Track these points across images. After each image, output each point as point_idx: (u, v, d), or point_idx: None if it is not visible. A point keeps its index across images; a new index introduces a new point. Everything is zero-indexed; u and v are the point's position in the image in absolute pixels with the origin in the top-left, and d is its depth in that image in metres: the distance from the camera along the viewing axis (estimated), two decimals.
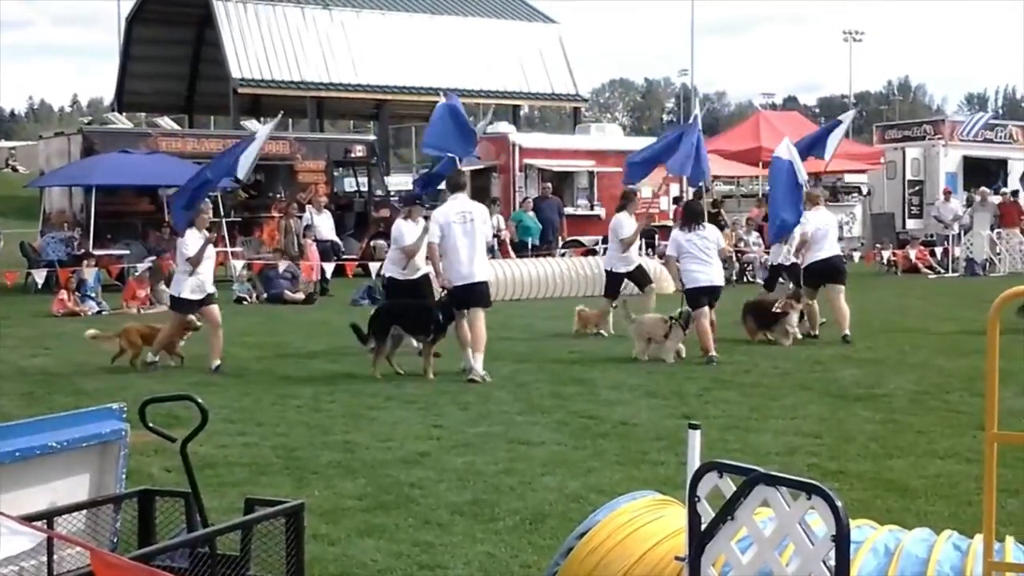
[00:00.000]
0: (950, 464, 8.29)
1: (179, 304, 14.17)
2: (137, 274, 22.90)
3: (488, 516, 7.03)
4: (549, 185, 30.27)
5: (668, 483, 7.21)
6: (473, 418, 10.43)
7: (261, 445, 9.30)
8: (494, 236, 28.58)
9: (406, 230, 14.38)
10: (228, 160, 15.19)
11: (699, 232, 14.63)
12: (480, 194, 31.45)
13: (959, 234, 31.11)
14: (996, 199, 32.35)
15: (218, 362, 13.77)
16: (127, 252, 26.04)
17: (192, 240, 13.89)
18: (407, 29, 46.75)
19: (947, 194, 33.13)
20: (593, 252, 28.49)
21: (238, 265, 24.89)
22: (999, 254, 31.31)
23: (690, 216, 15.08)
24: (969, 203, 32.28)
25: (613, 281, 17.05)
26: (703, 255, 14.55)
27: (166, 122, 36.47)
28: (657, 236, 29.53)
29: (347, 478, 8.09)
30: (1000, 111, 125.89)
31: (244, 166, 14.82)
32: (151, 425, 5.14)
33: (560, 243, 29.32)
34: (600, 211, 31.43)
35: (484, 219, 13.67)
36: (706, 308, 14.45)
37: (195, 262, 13.76)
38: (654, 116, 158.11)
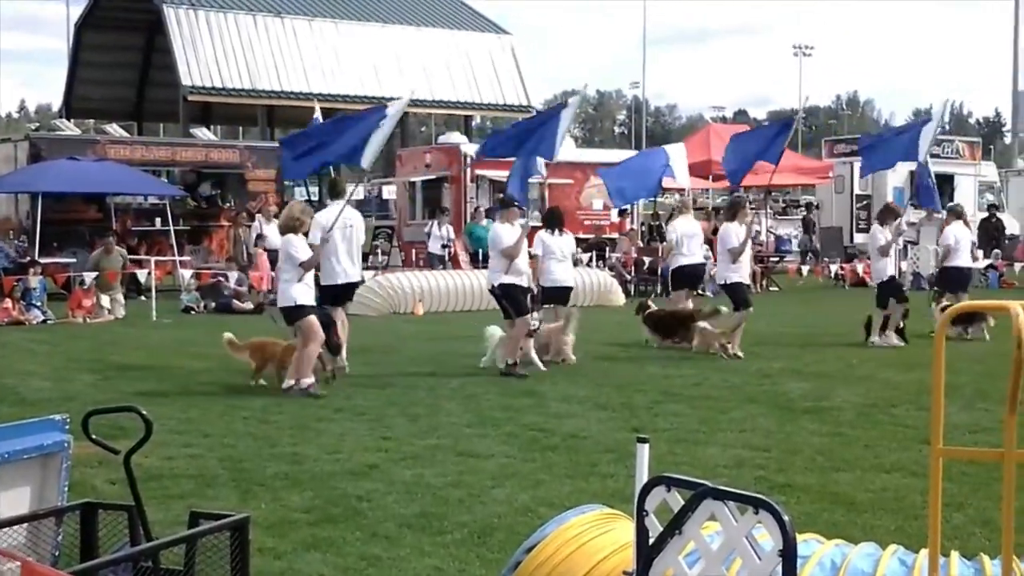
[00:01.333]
0: (896, 478, 8.34)
1: (297, 312, 12.90)
2: (85, 286, 22.63)
3: (436, 529, 7.00)
4: (501, 196, 30.24)
5: (617, 496, 7.21)
6: (422, 430, 10.39)
7: (207, 457, 9.21)
8: (443, 247, 28.56)
9: (504, 233, 14.49)
10: (354, 141, 14.32)
11: (560, 236, 15.66)
12: (431, 204, 31.49)
13: (905, 248, 31.40)
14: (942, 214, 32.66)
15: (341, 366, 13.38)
16: (73, 260, 25.78)
17: (302, 245, 13.01)
18: (359, 38, 46.67)
19: None
20: None
21: (186, 274, 24.71)
22: None
23: (554, 220, 15.98)
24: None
25: (732, 292, 16.44)
26: (562, 256, 15.62)
27: (115, 129, 36.21)
28: (608, 248, 29.65)
29: (294, 490, 8.03)
30: (946, 126, 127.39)
31: (369, 155, 14.27)
32: (94, 437, 5.07)
33: None
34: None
35: (362, 227, 14.66)
36: (562, 308, 15.60)
37: (309, 267, 13.00)
38: (606, 128, 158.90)
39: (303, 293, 12.92)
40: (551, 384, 13.26)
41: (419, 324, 21.00)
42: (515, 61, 49.80)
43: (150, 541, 4.88)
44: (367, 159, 14.06)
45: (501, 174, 31.09)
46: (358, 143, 14.04)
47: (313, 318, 12.86)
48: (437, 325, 20.41)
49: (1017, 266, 31.87)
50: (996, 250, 33.01)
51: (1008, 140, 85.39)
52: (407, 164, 33.85)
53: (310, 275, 13.16)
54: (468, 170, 31.06)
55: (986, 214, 34.95)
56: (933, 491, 3.72)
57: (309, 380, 12.57)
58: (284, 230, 13.26)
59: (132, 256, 27.13)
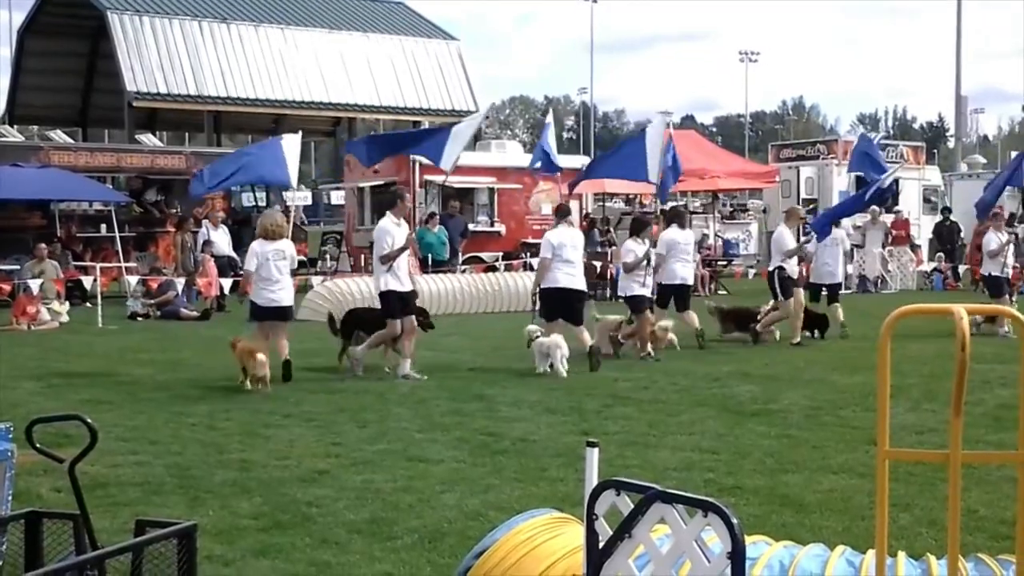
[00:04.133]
0: (843, 479, 8.41)
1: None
2: (34, 293, 22.34)
3: (386, 534, 6.98)
4: (456, 204, 30.19)
5: (567, 500, 7.22)
6: (372, 435, 10.36)
7: (154, 464, 9.14)
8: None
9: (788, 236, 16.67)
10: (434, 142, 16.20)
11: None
12: (381, 209, 31.37)
13: (851, 252, 31.66)
14: (888, 218, 33.01)
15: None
16: (17, 267, 25.47)
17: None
18: (306, 44, 46.50)
19: None
20: (493, 268, 28.50)
21: (132, 281, 24.49)
22: (890, 271, 31.97)
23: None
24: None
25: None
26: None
27: (59, 135, 35.86)
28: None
29: (243, 497, 7.97)
30: (891, 131, 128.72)
31: (447, 159, 15.92)
32: (39, 445, 5.02)
33: (460, 259, 29.27)
34: (500, 228, 31.49)
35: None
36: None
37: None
38: None
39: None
40: (501, 388, 13.26)
41: None
42: (463, 66, 49.81)
43: (96, 550, 4.83)
44: (446, 163, 15.95)
45: (450, 179, 31.11)
46: (438, 145, 15.98)
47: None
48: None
49: (961, 268, 32.23)
50: (940, 253, 33.38)
51: (951, 144, 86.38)
52: (356, 169, 33.68)
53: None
54: (417, 176, 31.00)
55: (940, 217, 35.32)
56: (880, 492, 3.75)
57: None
58: (276, 236, 14.23)
59: (77, 263, 26.89)
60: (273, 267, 14.03)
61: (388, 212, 14.72)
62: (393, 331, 14.36)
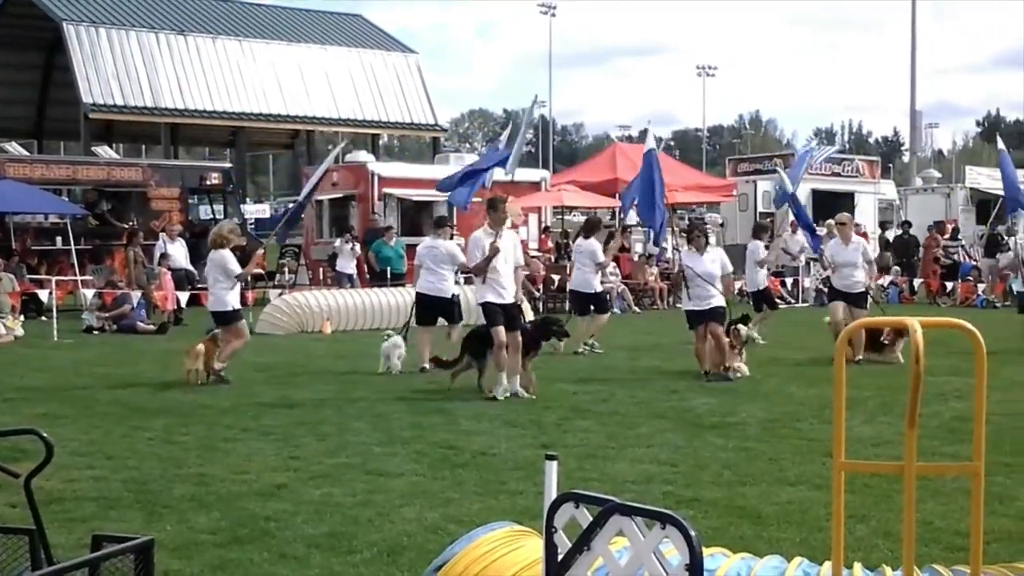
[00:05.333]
0: (800, 491, 8.45)
1: (233, 315, 15.36)
2: None
3: (346, 549, 6.95)
4: (377, 216, 30.41)
5: (526, 513, 7.22)
6: (331, 449, 10.32)
7: (111, 479, 9.06)
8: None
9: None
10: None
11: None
12: (339, 223, 31.33)
13: (807, 265, 31.88)
14: None
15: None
16: None
17: (233, 259, 15.39)
18: (264, 56, 46.33)
19: (794, 227, 33.90)
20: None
21: (88, 294, 24.32)
22: None
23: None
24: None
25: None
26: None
27: (14, 148, 35.56)
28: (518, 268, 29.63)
29: (201, 512, 7.92)
30: (847, 145, 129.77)
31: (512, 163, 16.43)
32: None
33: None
34: (459, 241, 31.42)
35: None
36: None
37: (242, 278, 15.74)
38: None
39: (236, 299, 15.38)
40: (461, 401, 13.25)
41: (327, 343, 20.88)
42: (422, 80, 49.80)
43: (52, 565, 4.79)
44: (511, 166, 16.41)
45: (409, 192, 31.13)
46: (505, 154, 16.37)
47: (243, 320, 15.60)
48: (345, 344, 20.30)
49: (916, 282, 32.52)
50: (896, 267, 33.65)
51: (907, 159, 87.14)
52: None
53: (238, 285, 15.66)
54: (375, 189, 30.99)
55: (899, 231, 35.65)
56: (836, 504, 3.79)
57: (222, 364, 14.92)
58: (215, 246, 15.31)
59: (32, 276, 26.66)
60: (208, 274, 15.55)
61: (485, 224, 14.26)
62: (500, 340, 13.67)
